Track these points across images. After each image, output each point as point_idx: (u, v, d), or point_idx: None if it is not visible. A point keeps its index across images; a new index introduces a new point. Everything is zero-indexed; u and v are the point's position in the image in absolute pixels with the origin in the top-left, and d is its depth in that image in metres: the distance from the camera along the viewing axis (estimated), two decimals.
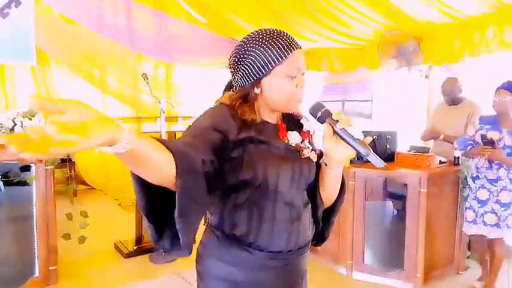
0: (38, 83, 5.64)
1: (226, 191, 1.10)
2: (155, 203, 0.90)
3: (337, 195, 1.26)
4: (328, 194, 1.24)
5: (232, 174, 1.07)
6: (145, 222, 0.94)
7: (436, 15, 3.76)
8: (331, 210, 1.29)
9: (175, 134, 3.67)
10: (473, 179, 3.09)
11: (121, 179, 5.55)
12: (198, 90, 6.26)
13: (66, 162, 2.94)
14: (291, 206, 1.14)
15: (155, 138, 0.84)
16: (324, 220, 1.29)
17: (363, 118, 5.76)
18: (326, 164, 1.18)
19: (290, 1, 4.23)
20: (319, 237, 1.31)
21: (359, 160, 3.48)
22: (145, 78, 3.31)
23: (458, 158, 3.32)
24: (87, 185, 5.91)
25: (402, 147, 3.80)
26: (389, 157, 3.54)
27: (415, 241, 3.17)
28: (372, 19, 4.14)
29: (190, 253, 0.97)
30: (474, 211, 3.04)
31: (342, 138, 1.08)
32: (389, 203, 4.51)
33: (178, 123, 3.70)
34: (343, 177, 1.25)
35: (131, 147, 0.76)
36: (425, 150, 3.62)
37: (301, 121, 1.24)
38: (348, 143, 1.07)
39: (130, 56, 5.54)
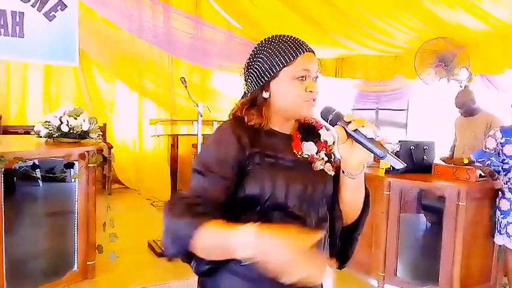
0: (80, 84, 5.85)
1: (235, 209, 1.03)
2: None
3: (361, 208, 1.15)
4: (349, 206, 1.13)
5: (239, 188, 1.03)
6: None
7: (477, 25, 3.68)
8: (355, 226, 1.17)
9: None
10: None
11: (153, 180, 5.68)
12: (233, 95, 6.34)
13: (106, 161, 3.03)
14: (303, 223, 1.05)
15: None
16: (346, 237, 1.17)
17: (398, 128, 5.66)
18: (343, 172, 1.07)
19: (328, 9, 4.23)
20: (341, 257, 1.19)
21: (394, 170, 3.43)
22: (184, 82, 3.38)
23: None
24: (122, 184, 6.06)
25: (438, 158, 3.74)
26: (426, 168, 3.46)
27: (451, 256, 3.08)
28: (411, 27, 4.09)
29: None
30: None
31: (356, 140, 0.99)
32: (422, 216, 4.41)
33: (214, 127, 3.76)
34: (367, 189, 1.14)
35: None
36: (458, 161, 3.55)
37: (320, 131, 1.16)
38: (363, 145, 0.98)
39: (168, 60, 5.68)
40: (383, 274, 3.35)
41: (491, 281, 3.33)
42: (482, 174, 3.22)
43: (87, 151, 2.82)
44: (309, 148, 1.11)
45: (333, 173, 1.12)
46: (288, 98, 1.06)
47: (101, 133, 3.22)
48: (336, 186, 1.13)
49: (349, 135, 1.00)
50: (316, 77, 1.09)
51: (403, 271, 3.39)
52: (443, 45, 4.30)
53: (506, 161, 3.06)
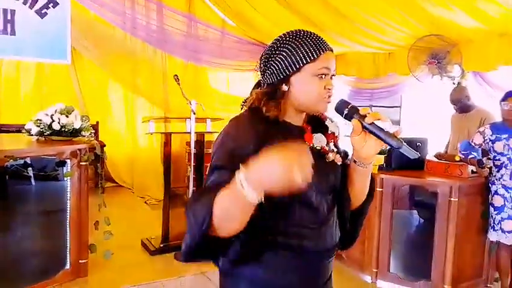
0: (72, 82, 5.81)
1: None
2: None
3: (366, 193, 1.23)
4: (357, 192, 1.21)
5: None
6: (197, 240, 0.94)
7: (470, 22, 3.69)
8: (360, 211, 1.25)
9: (203, 134, 3.72)
10: (508, 188, 3.02)
11: (147, 178, 5.67)
12: (227, 92, 6.33)
13: (99, 159, 3.01)
14: (317, 210, 1.12)
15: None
16: (353, 221, 1.25)
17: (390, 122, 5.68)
18: (355, 162, 1.14)
19: (321, 7, 4.23)
20: (348, 239, 1.28)
21: (387, 167, 3.45)
22: (177, 79, 3.37)
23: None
24: (115, 182, 6.03)
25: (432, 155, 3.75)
26: (419, 165, 3.48)
27: (444, 251, 3.10)
28: (404, 25, 4.10)
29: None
30: None
31: (371, 132, 1.04)
32: (415, 212, 4.43)
33: (207, 124, 3.75)
34: (372, 177, 1.21)
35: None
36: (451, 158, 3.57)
37: (326, 123, 1.22)
38: (379, 137, 1.03)
39: (161, 57, 5.65)
40: (376, 270, 3.37)
41: (483, 275, 3.36)
42: (474, 170, 3.24)
43: (79, 149, 2.81)
44: (319, 140, 1.16)
45: (340, 163, 1.19)
46: (307, 93, 1.10)
47: (93, 131, 3.21)
48: (344, 174, 1.19)
49: (364, 128, 1.05)
50: (334, 75, 1.14)
51: (396, 267, 3.40)
52: (436, 42, 4.31)
53: (497, 157, 3.08)
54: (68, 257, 2.86)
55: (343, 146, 1.28)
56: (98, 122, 5.68)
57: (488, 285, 3.37)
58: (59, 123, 2.86)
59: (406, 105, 5.70)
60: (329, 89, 1.10)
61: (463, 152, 3.22)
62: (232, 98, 6.25)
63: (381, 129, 1.03)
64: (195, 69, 5.95)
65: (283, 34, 1.14)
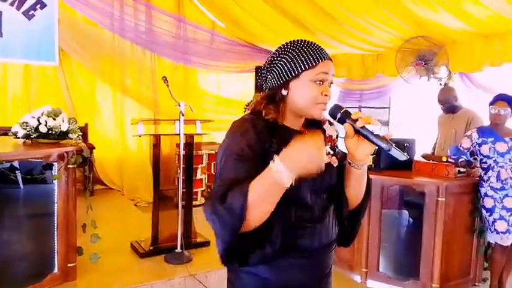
0: (60, 83, 5.75)
1: None
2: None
3: (363, 193, 1.28)
4: (354, 192, 1.26)
5: None
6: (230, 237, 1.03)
7: (457, 24, 3.75)
8: (358, 210, 1.31)
9: (193, 136, 3.71)
10: (496, 190, 3.06)
11: (137, 180, 5.63)
12: (216, 93, 6.33)
13: (86, 162, 2.98)
14: (312, 210, 1.18)
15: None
16: (352, 220, 1.31)
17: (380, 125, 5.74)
18: (350, 163, 1.20)
19: (311, 9, 4.25)
20: (347, 237, 1.34)
21: (375, 167, 3.48)
22: (166, 81, 3.36)
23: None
24: (105, 184, 5.99)
25: (419, 155, 3.79)
26: (406, 165, 3.51)
27: (432, 251, 3.14)
28: (392, 26, 4.14)
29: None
30: (506, 220, 3.02)
31: (363, 135, 1.10)
32: (405, 212, 4.47)
33: (196, 126, 3.74)
34: (368, 176, 1.27)
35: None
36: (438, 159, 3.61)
37: (324, 127, 1.28)
38: (370, 140, 1.09)
39: (150, 59, 5.63)
40: (365, 270, 3.39)
41: (470, 274, 3.40)
42: (461, 170, 3.28)
43: (66, 152, 2.78)
44: None
45: (336, 164, 1.23)
46: (304, 98, 1.17)
47: (81, 133, 3.17)
48: (341, 175, 1.25)
49: (356, 131, 1.11)
50: (331, 83, 1.21)
51: (386, 266, 3.43)
52: (423, 44, 4.36)
53: (484, 160, 3.13)
54: (56, 261, 2.83)
55: (342, 148, 1.31)
56: (86, 124, 5.63)
57: (476, 284, 3.42)
58: (45, 125, 2.83)
59: (395, 106, 5.75)
60: (325, 95, 1.16)
61: (452, 157, 3.26)
62: (222, 99, 6.25)
63: (371, 133, 1.09)
64: (185, 70, 5.94)
65: (286, 42, 1.22)
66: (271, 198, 1.00)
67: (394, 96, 5.68)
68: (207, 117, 4.22)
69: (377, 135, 1.08)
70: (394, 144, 1.07)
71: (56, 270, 2.83)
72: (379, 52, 5.16)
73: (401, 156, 1.08)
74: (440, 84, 4.46)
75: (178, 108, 3.29)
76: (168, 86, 3.34)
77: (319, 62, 1.16)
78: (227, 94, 6.30)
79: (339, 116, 1.14)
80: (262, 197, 0.99)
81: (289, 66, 1.17)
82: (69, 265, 2.87)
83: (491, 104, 3.09)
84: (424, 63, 4.37)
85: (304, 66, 1.16)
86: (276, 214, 1.10)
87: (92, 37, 5.29)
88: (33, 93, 5.53)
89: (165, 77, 3.40)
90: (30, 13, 4.35)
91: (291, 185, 1.09)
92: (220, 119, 5.65)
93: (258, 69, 5.63)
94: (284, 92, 1.19)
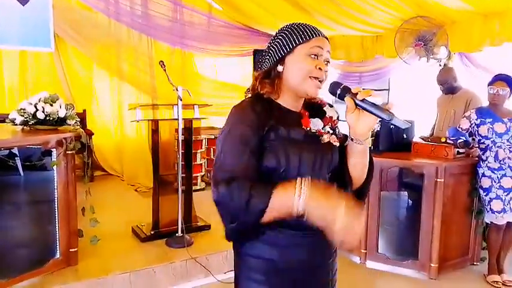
0: (57, 69, 5.71)
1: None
2: None
3: (366, 172, 1.29)
4: (357, 171, 1.26)
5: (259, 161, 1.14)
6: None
7: (456, 3, 3.69)
8: (362, 190, 1.32)
9: (191, 120, 3.70)
10: (493, 170, 3.07)
11: (136, 166, 5.63)
12: (214, 77, 6.28)
13: (85, 148, 2.98)
14: None
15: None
16: (356, 199, 1.31)
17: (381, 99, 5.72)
18: (352, 139, 1.20)
19: None
20: None
21: (375, 149, 3.48)
22: (163, 65, 3.33)
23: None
24: (105, 170, 6.00)
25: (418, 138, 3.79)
26: (406, 147, 3.51)
27: (430, 231, 3.16)
28: (391, 7, 4.09)
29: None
30: (502, 200, 3.04)
31: (364, 108, 1.11)
32: (405, 194, 4.48)
33: (195, 110, 3.72)
34: (370, 155, 1.28)
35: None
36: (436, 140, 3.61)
37: (324, 108, 1.30)
38: (371, 112, 1.10)
39: (147, 43, 5.56)
40: (365, 251, 3.43)
41: (469, 254, 3.44)
42: (460, 151, 3.28)
43: (65, 138, 2.77)
44: (316, 124, 1.24)
45: (337, 144, 1.25)
46: (299, 71, 1.17)
47: (79, 119, 3.16)
48: (343, 155, 1.26)
49: (357, 105, 1.12)
50: (327, 62, 1.21)
51: (385, 247, 3.47)
52: (422, 24, 4.30)
53: (482, 141, 3.13)
54: (58, 246, 2.85)
55: (343, 130, 1.33)
56: (84, 111, 5.62)
57: (474, 263, 3.46)
58: (43, 112, 2.81)
59: (394, 87, 5.72)
60: (320, 68, 1.17)
61: (451, 138, 3.26)
62: (220, 83, 6.21)
63: (372, 104, 1.10)
64: (182, 54, 5.87)
65: (284, 25, 1.24)
66: (280, 215, 1.06)
67: (394, 78, 5.65)
68: (204, 102, 4.19)
69: (378, 106, 1.09)
70: (395, 114, 1.08)
71: (58, 255, 2.85)
72: (378, 33, 5.10)
73: (404, 124, 1.09)
74: (440, 65, 4.42)
75: (176, 93, 3.27)
76: (165, 70, 3.31)
77: (313, 37, 1.18)
78: (225, 78, 6.25)
79: (338, 92, 1.15)
80: (274, 210, 1.05)
81: (283, 42, 1.19)
82: (70, 250, 2.89)
83: (490, 84, 3.08)
84: (423, 43, 4.33)
85: (298, 40, 1.18)
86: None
87: (87, 22, 5.22)
88: (30, 80, 5.50)
89: (162, 61, 3.37)
90: None
91: (290, 162, 1.15)
92: (218, 103, 5.62)
93: (256, 53, 5.57)
94: (280, 68, 1.20)
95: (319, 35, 1.20)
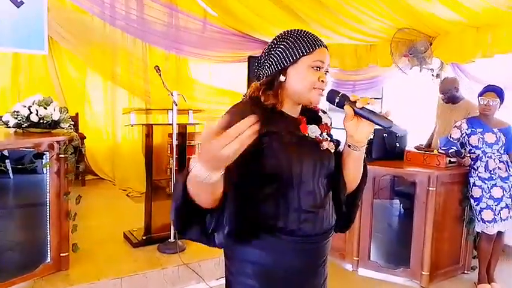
0: (50, 72, 5.67)
1: (254, 183, 1.12)
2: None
3: (360, 177, 1.31)
4: (352, 176, 1.28)
5: (257, 165, 1.11)
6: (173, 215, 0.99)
7: (449, 14, 3.75)
8: (355, 195, 1.34)
9: (186, 126, 3.69)
10: (484, 180, 3.11)
11: (128, 170, 5.60)
12: (209, 83, 6.28)
13: (76, 152, 2.95)
14: (314, 195, 1.20)
15: None
16: (349, 204, 1.33)
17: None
18: (349, 146, 1.23)
19: None
20: (344, 223, 1.35)
21: (367, 157, 3.50)
22: (158, 70, 3.33)
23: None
24: (96, 174, 5.95)
25: (412, 146, 3.82)
26: (398, 155, 3.54)
27: (422, 239, 3.18)
28: (384, 16, 4.14)
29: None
30: (492, 210, 3.08)
31: (363, 116, 1.13)
32: (397, 202, 4.52)
33: (189, 115, 3.71)
34: (364, 160, 1.29)
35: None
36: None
37: (319, 114, 1.31)
38: (370, 120, 1.12)
39: (142, 48, 5.56)
40: (357, 258, 3.44)
41: (460, 263, 3.47)
42: (452, 160, 3.32)
43: (58, 141, 2.75)
44: (313, 130, 1.25)
45: (333, 150, 1.27)
46: (302, 83, 1.19)
47: (73, 123, 3.14)
48: (338, 161, 1.28)
49: (356, 112, 1.14)
50: (327, 71, 1.24)
51: (377, 255, 3.48)
52: (415, 34, 4.36)
53: (472, 150, 3.17)
54: (49, 251, 2.81)
55: (335, 136, 1.35)
56: (77, 114, 5.58)
57: (465, 271, 3.48)
58: (37, 114, 2.79)
59: (387, 97, 5.78)
60: (322, 80, 1.19)
61: (443, 148, 3.29)
62: (214, 89, 6.21)
63: (371, 112, 1.12)
64: (176, 60, 5.87)
65: (283, 31, 1.24)
66: (204, 194, 0.95)
67: (387, 86, 5.70)
68: (198, 107, 4.19)
69: (377, 114, 1.11)
70: (393, 122, 1.10)
71: (48, 259, 2.82)
72: (372, 42, 5.15)
73: (403, 131, 1.13)
74: (433, 75, 4.48)
75: (171, 98, 3.27)
76: (160, 75, 3.31)
77: (316, 48, 1.19)
78: (219, 84, 6.26)
79: (337, 100, 1.16)
80: (196, 192, 0.94)
81: (287, 52, 1.19)
82: (61, 255, 2.86)
83: (481, 95, 3.12)
84: (416, 53, 4.38)
85: (302, 52, 1.18)
86: (279, 199, 1.15)
87: (82, 25, 5.20)
88: (23, 82, 5.45)
89: (157, 66, 3.37)
90: (19, 0, 4.26)
91: (292, 168, 1.14)
92: (212, 109, 5.62)
93: (251, 59, 5.59)
94: (282, 78, 1.20)
95: (321, 46, 1.21)
